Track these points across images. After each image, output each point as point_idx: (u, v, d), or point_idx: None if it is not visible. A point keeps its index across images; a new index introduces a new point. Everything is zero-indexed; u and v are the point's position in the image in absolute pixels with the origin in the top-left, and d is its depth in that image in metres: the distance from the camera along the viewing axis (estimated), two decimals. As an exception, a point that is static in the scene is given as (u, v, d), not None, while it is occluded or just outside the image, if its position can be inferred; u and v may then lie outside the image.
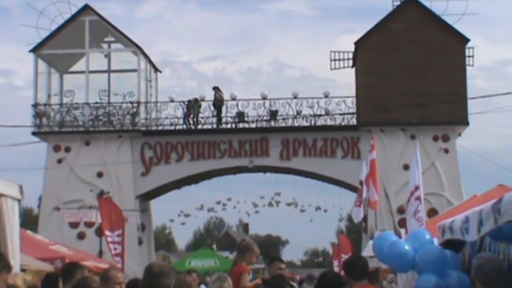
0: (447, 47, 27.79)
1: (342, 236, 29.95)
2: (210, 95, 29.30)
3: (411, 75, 27.65)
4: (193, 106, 28.95)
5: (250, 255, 8.74)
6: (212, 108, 29.00)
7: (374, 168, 16.00)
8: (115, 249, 15.35)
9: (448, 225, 6.64)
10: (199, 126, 29.02)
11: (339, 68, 30.46)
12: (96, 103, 29.10)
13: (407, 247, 6.75)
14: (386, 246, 6.81)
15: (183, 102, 29.15)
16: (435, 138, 27.68)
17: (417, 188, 8.35)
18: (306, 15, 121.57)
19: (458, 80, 27.50)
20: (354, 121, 28.39)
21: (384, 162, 26.78)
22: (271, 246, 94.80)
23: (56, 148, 28.63)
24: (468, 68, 28.25)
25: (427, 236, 6.87)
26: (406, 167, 26.90)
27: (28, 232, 12.66)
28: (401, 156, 27.49)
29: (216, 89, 29.16)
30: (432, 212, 24.24)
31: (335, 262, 25.05)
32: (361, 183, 17.24)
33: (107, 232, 15.55)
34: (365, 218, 27.39)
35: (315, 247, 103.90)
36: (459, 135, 28.87)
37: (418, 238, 6.87)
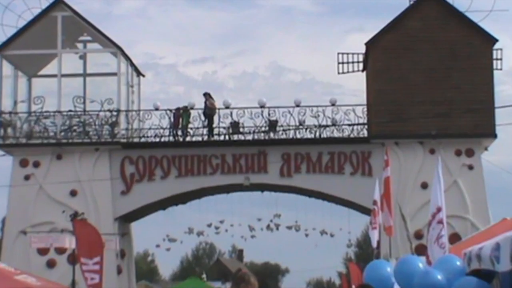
0: (472, 48, 27.87)
1: (352, 264, 29.90)
2: (199, 103, 29.38)
3: (430, 80, 27.69)
4: (181, 115, 28.97)
5: (245, 287, 8.69)
6: (203, 118, 29.02)
7: (388, 187, 16.01)
8: (92, 279, 15.31)
9: (476, 252, 6.63)
10: (188, 138, 29.03)
11: (348, 72, 30.53)
12: (70, 111, 29.09)
13: (439, 277, 6.71)
14: (414, 274, 6.77)
15: (170, 110, 29.17)
16: (458, 153, 27.70)
17: (439, 209, 8.36)
18: (309, 11, 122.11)
19: (484, 86, 27.56)
20: (365, 133, 28.42)
21: (400, 180, 26.80)
22: (269, 276, 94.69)
23: (23, 163, 28.58)
24: (495, 72, 28.34)
25: (458, 263, 6.84)
26: (424, 185, 26.94)
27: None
28: (418, 173, 27.50)
29: (207, 95, 29.22)
30: (454, 238, 24.18)
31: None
32: (375, 203, 17.24)
33: (83, 260, 15.51)
34: (378, 244, 27.44)
35: (320, 277, 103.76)
36: (486, 149, 28.89)
37: (447, 265, 6.84)
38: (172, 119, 29.05)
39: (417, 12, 28.25)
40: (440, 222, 8.35)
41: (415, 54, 27.89)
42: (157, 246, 32.81)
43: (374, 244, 18.50)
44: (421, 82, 27.73)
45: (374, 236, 17.51)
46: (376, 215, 17.13)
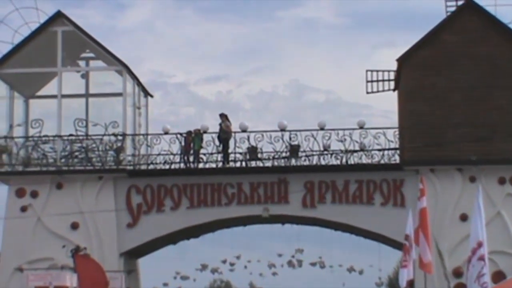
0: (516, 64, 27.89)
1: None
2: (213, 126, 29.45)
3: (469, 100, 27.67)
4: (193, 139, 29.08)
5: None
6: (217, 142, 29.12)
7: (425, 219, 16.03)
8: (95, 321, 15.40)
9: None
10: (201, 165, 29.14)
11: (377, 91, 30.61)
12: (71, 135, 29.27)
13: None
14: None
15: (180, 134, 29.29)
16: (501, 181, 27.60)
17: (480, 245, 8.40)
18: (333, 24, 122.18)
19: (530, 106, 27.54)
20: (396, 159, 28.40)
21: (436, 211, 26.75)
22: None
23: (20, 193, 28.77)
24: (543, 91, 28.26)
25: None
26: (463, 217, 26.86)
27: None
28: (457, 203, 27.44)
29: (223, 117, 29.26)
30: (498, 276, 24.14)
31: None
32: (407, 237, 17.25)
33: (86, 300, 15.62)
34: (411, 283, 27.35)
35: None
36: (532, 176, 28.76)
37: None
38: (183, 144, 29.15)
39: (455, 25, 28.30)
40: (482, 258, 8.39)
41: (453, 71, 27.92)
42: (166, 284, 32.88)
43: (403, 284, 18.46)
44: (459, 102, 27.71)
45: (404, 275, 17.48)
46: (407, 251, 17.11)
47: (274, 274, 32.12)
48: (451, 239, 26.77)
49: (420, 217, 16.46)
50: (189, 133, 29.17)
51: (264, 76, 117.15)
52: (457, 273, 26.53)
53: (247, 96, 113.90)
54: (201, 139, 29.18)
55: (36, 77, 30.76)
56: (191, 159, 29.13)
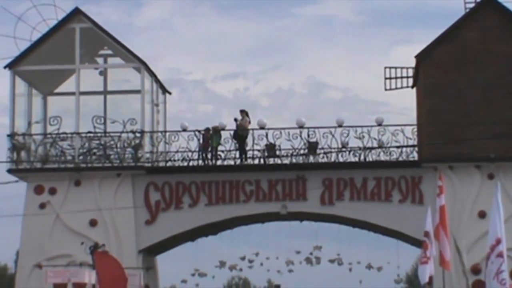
0: (536, 61, 27.85)
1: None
2: (231, 123, 29.50)
3: (488, 97, 27.68)
4: (211, 136, 29.19)
5: None
6: (234, 139, 29.20)
7: (444, 216, 16.09)
8: (115, 317, 15.53)
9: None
10: (219, 162, 29.24)
11: (396, 88, 30.63)
12: (89, 132, 29.42)
13: None
14: None
15: (198, 131, 29.40)
16: (520, 178, 27.59)
17: (498, 241, 8.45)
18: (351, 21, 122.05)
19: (549, 103, 27.51)
20: (415, 156, 28.43)
21: (454, 208, 26.77)
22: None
23: (38, 190, 28.97)
24: (561, 87, 28.23)
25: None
26: (482, 214, 26.88)
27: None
28: (475, 200, 27.46)
29: (243, 113, 29.35)
30: (516, 273, 24.08)
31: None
32: (427, 234, 17.28)
33: (106, 296, 15.75)
34: (430, 280, 27.36)
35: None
36: (551, 173, 28.74)
37: None
38: (201, 141, 29.26)
39: (474, 21, 28.28)
40: (500, 255, 8.44)
41: (472, 68, 27.91)
42: (184, 281, 32.97)
43: (422, 281, 18.45)
44: (478, 99, 27.72)
45: (425, 271, 17.45)
46: (427, 248, 17.12)
47: (292, 271, 32.12)
48: (469, 236, 26.79)
49: (440, 215, 16.50)
50: (207, 130, 29.28)
51: (282, 74, 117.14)
52: (476, 270, 26.56)
53: (264, 94, 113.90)
54: (219, 137, 29.29)
55: (54, 74, 30.91)
56: (209, 156, 29.24)
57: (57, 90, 31.99)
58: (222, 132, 29.40)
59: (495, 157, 27.30)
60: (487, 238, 9.75)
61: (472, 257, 26.59)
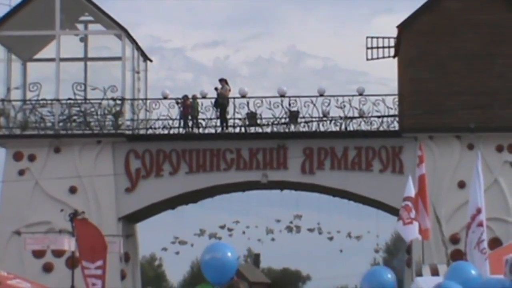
0: (518, 32, 27.82)
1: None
2: (212, 92, 29.44)
3: (470, 68, 27.66)
4: (191, 104, 29.07)
5: None
6: (214, 108, 29.11)
7: (423, 186, 16.05)
8: (93, 284, 15.48)
9: (519, 259, 6.70)
10: (200, 130, 29.14)
11: (377, 58, 30.54)
12: (69, 99, 29.24)
13: None
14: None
15: (179, 99, 29.26)
16: (499, 148, 27.68)
17: (479, 211, 8.41)
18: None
19: (530, 74, 27.53)
20: (396, 126, 28.44)
21: (434, 178, 26.80)
22: (288, 283, 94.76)
23: (17, 156, 28.78)
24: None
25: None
26: (461, 184, 26.94)
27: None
28: (455, 170, 27.53)
29: (223, 82, 29.27)
30: (495, 243, 24.20)
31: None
32: (408, 198, 17.19)
33: (84, 263, 15.70)
34: (408, 250, 27.47)
35: (345, 284, 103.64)
36: (531, 144, 28.83)
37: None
38: (181, 108, 29.14)
39: (456, -9, 28.20)
40: (481, 225, 8.40)
41: (454, 39, 27.86)
42: (164, 249, 33.01)
43: (407, 238, 18.31)
44: (460, 70, 27.70)
45: (410, 231, 17.21)
46: (410, 210, 16.99)
47: (272, 239, 32.25)
48: (448, 206, 26.88)
49: (418, 184, 16.48)
50: (186, 97, 29.17)
51: (262, 42, 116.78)
52: (455, 239, 26.67)
53: (244, 62, 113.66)
54: (198, 105, 29.19)
55: (34, 40, 30.66)
56: (189, 124, 29.16)
57: (37, 56, 31.75)
58: (203, 101, 29.30)
59: (476, 127, 27.36)
60: (467, 208, 9.73)
61: (451, 226, 26.68)
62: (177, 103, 29.14)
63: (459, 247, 25.60)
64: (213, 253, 7.65)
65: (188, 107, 29.10)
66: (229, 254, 7.45)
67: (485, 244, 8.29)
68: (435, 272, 12.02)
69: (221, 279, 7.36)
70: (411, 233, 17.19)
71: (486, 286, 7.12)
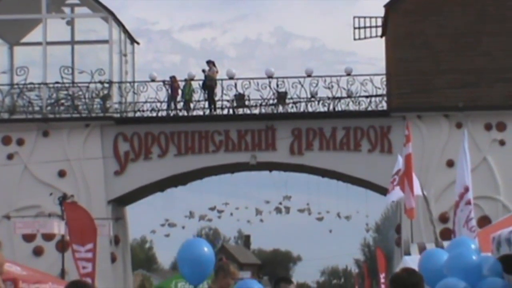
0: (505, 10, 27.80)
1: (379, 250, 30.01)
2: (199, 74, 29.41)
3: (457, 46, 27.66)
4: (184, 88, 29.02)
5: (224, 276, 9.00)
6: (203, 90, 29.07)
7: (410, 165, 16.04)
8: (84, 267, 15.48)
9: (505, 236, 6.72)
10: (188, 113, 29.09)
11: (365, 38, 30.51)
12: (57, 83, 29.15)
13: None
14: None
15: (167, 81, 29.21)
16: (488, 127, 27.73)
17: (467, 189, 8.41)
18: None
19: (517, 52, 27.54)
20: (384, 106, 28.45)
21: (423, 157, 26.85)
22: (279, 264, 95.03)
23: (6, 141, 28.69)
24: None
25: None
26: (450, 163, 26.97)
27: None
28: (443, 149, 27.56)
29: (210, 64, 29.21)
30: (484, 221, 24.32)
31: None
32: (396, 173, 17.20)
33: (75, 247, 15.69)
34: (398, 228, 27.57)
35: (335, 265, 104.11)
36: (518, 122, 28.90)
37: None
38: (169, 91, 29.08)
39: (443, -30, 28.14)
40: (469, 203, 8.41)
41: (441, 18, 27.83)
42: (154, 232, 33.04)
43: (390, 200, 18.32)
44: (447, 48, 27.70)
45: (392, 195, 17.23)
46: (394, 181, 16.96)
47: (261, 221, 32.26)
48: (437, 185, 26.93)
49: (405, 164, 16.47)
50: (173, 78, 29.12)
51: (249, 23, 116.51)
52: (443, 218, 26.74)
53: (231, 44, 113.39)
54: (193, 89, 29.19)
55: (21, 24, 30.49)
56: (178, 106, 29.13)
57: (24, 40, 31.64)
58: (192, 83, 29.25)
59: (464, 106, 27.38)
60: (455, 186, 9.74)
61: (440, 205, 26.74)
62: (165, 85, 29.08)
63: (448, 226, 25.68)
64: (190, 250, 7.34)
65: (176, 89, 29.04)
66: (205, 249, 7.18)
67: (473, 222, 8.30)
68: (423, 251, 12.04)
69: (198, 278, 7.09)
70: (394, 195, 17.19)
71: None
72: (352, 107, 28.58)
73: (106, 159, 28.54)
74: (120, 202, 29.84)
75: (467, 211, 8.33)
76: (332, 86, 28.59)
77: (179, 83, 29.18)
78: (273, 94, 28.82)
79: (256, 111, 28.97)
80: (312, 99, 28.70)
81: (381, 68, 30.13)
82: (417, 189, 16.51)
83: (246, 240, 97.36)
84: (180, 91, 29.16)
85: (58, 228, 22.33)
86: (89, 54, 31.23)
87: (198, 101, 29.18)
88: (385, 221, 68.20)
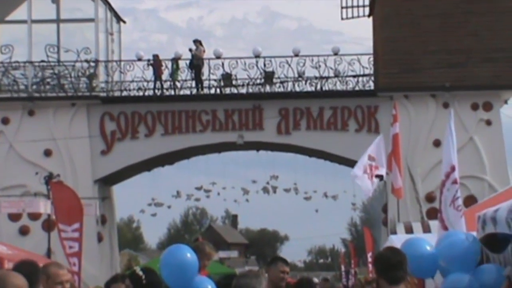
0: (491, -11, 27.80)
1: (366, 229, 30.08)
2: (186, 53, 29.34)
3: (444, 26, 27.64)
4: (172, 67, 28.95)
5: (200, 257, 8.96)
6: (189, 69, 29.01)
7: (397, 145, 16.11)
8: (70, 247, 15.47)
9: (491, 215, 6.73)
10: (175, 92, 29.03)
11: (352, 17, 30.48)
12: (42, 61, 29.01)
13: None
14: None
15: (150, 60, 29.14)
16: (475, 107, 27.78)
17: (453, 168, 8.40)
18: None
19: (505, 32, 27.52)
20: (371, 85, 28.45)
21: (410, 137, 26.91)
22: (266, 244, 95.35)
23: (-9, 120, 28.62)
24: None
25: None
26: (437, 143, 27.02)
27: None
28: (430, 129, 27.60)
29: (197, 43, 29.15)
30: (470, 200, 24.36)
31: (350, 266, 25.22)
32: (372, 158, 17.22)
33: (61, 226, 15.67)
34: (385, 208, 27.64)
35: (322, 244, 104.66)
36: (505, 102, 28.96)
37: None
38: (155, 70, 29.00)
39: (430, -52, 28.09)
40: (455, 182, 8.40)
41: (428, -3, 27.81)
42: (142, 211, 33.04)
43: (366, 194, 18.39)
44: (434, 28, 27.68)
45: (367, 185, 17.23)
46: (371, 168, 16.96)
47: (248, 200, 32.30)
48: (424, 165, 27.00)
49: (392, 143, 16.52)
50: (156, 56, 29.05)
51: (235, 3, 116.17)
52: (430, 198, 26.82)
53: (218, 23, 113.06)
54: (179, 69, 29.14)
55: (5, 1, 30.28)
56: (164, 85, 29.07)
57: (8, 18, 31.33)
58: (179, 62, 29.20)
59: (450, 86, 27.41)
60: (441, 166, 9.76)
61: (426, 185, 26.83)
62: (149, 64, 28.99)
63: (435, 206, 25.78)
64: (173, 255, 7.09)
65: (160, 67, 28.96)
66: (188, 255, 6.99)
67: (460, 201, 8.30)
68: (409, 230, 12.06)
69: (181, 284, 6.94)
70: (368, 186, 17.16)
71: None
72: (339, 86, 28.58)
73: (92, 138, 28.48)
74: (107, 182, 29.80)
75: (454, 190, 8.32)
76: (320, 66, 28.57)
77: (163, 62, 29.08)
78: (260, 73, 28.79)
79: (243, 90, 28.94)
80: (300, 78, 28.69)
81: (369, 48, 30.13)
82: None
83: (233, 219, 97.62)
84: (165, 70, 29.07)
85: (44, 207, 22.30)
86: (75, 32, 31.04)
87: (185, 80, 29.12)
88: (372, 201, 68.39)
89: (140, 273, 7.38)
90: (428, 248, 7.30)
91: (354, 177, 17.28)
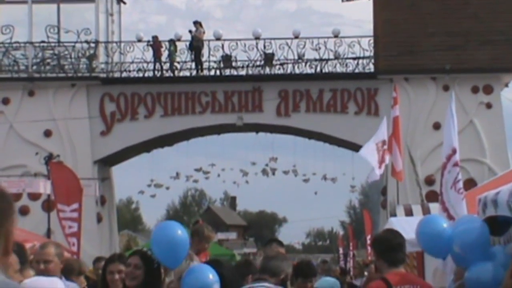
0: (492, -28, 27.72)
1: (366, 212, 30.12)
2: (186, 34, 29.30)
3: (444, 8, 27.59)
4: (169, 48, 28.90)
5: (199, 240, 8.95)
6: (190, 51, 28.96)
7: (397, 127, 16.09)
8: (70, 227, 15.50)
9: (492, 198, 6.73)
10: (175, 73, 29.01)
11: (353, -1, 30.41)
12: (42, 42, 28.96)
13: None
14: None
15: (150, 41, 29.10)
16: (475, 90, 27.76)
17: (454, 151, 8.38)
18: None
19: (505, 14, 27.48)
20: (371, 68, 28.41)
21: (409, 119, 26.90)
22: (264, 226, 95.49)
23: (-9, 100, 28.60)
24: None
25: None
26: (437, 126, 27.03)
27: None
28: (430, 112, 27.59)
29: (197, 24, 29.10)
30: (470, 184, 24.30)
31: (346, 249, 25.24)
32: (384, 142, 17.23)
33: (60, 206, 15.71)
34: (384, 191, 27.66)
35: (320, 227, 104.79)
36: (506, 85, 28.94)
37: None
38: (154, 51, 28.97)
39: None
40: (457, 165, 8.38)
41: (429, -21, 27.73)
42: (141, 192, 33.07)
43: (370, 179, 18.37)
44: (434, 10, 27.62)
45: (374, 173, 17.23)
46: (383, 153, 16.99)
47: (247, 182, 32.34)
48: (424, 147, 27.01)
49: (393, 126, 16.51)
50: (155, 38, 29.00)
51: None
52: (429, 181, 26.85)
53: (217, 5, 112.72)
54: (176, 49, 29.08)
55: (6, -18, 30.21)
56: (164, 66, 29.05)
57: (9, -2, 31.32)
58: (178, 43, 29.14)
59: (451, 68, 27.38)
60: (442, 149, 9.75)
61: (426, 168, 26.84)
62: (148, 45, 28.96)
63: (434, 189, 25.79)
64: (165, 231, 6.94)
65: (159, 49, 28.91)
66: (179, 232, 6.90)
67: (461, 184, 8.28)
68: (409, 213, 12.10)
69: (173, 261, 6.84)
70: (374, 174, 17.18)
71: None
72: (339, 69, 28.56)
73: (92, 119, 28.47)
74: (106, 163, 29.83)
75: (455, 172, 8.30)
76: (319, 48, 28.52)
77: (162, 43, 29.05)
78: (260, 55, 28.76)
79: (243, 72, 28.92)
80: (299, 60, 28.65)
81: (369, 30, 30.12)
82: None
83: (232, 201, 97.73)
84: (165, 52, 29.04)
85: (44, 187, 22.31)
86: (75, 13, 30.97)
87: (185, 62, 29.09)
88: (371, 183, 68.39)
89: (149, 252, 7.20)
90: (445, 227, 7.23)
91: (365, 155, 17.20)
